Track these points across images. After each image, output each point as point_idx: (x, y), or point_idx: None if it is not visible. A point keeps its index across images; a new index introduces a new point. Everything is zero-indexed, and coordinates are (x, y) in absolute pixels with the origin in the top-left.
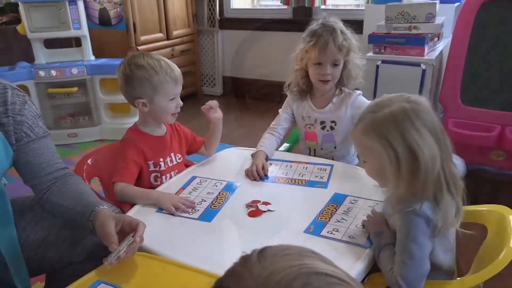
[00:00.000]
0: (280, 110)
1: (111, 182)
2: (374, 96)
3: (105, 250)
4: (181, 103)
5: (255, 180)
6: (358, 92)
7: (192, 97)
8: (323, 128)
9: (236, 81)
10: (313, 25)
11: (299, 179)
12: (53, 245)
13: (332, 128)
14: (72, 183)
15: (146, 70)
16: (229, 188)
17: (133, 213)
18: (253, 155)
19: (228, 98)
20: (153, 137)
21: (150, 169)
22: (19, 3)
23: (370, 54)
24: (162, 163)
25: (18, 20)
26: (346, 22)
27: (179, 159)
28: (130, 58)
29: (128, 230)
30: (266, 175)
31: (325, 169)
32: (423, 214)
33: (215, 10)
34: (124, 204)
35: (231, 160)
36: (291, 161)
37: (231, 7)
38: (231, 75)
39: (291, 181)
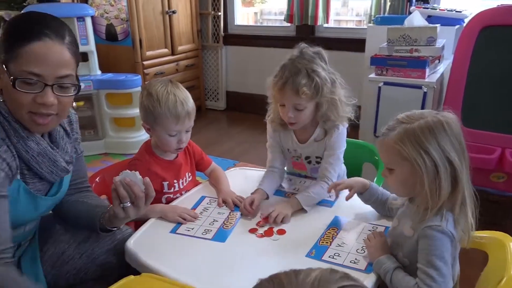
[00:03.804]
0: (268, 147)
1: None
2: (376, 117)
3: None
4: (184, 140)
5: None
6: (342, 128)
7: (196, 111)
8: (309, 162)
9: (239, 96)
10: (290, 55)
11: None
12: (71, 259)
13: (318, 162)
14: (95, 195)
15: (152, 100)
16: (236, 208)
17: (140, 234)
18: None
19: (231, 113)
20: (166, 161)
21: (164, 191)
22: None
23: (372, 75)
24: (176, 185)
25: None
26: (348, 41)
27: (190, 177)
28: (148, 83)
29: None
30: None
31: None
32: (449, 232)
33: (220, 26)
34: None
35: (237, 180)
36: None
37: (235, 24)
38: (234, 90)
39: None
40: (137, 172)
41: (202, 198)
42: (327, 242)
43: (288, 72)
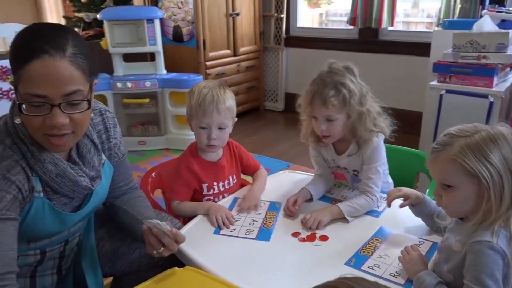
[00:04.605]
0: (312, 158)
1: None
2: (437, 126)
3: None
4: (214, 137)
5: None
6: (376, 140)
7: (255, 112)
8: (348, 172)
9: (298, 98)
10: (320, 71)
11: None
12: (125, 255)
13: (355, 175)
14: (139, 195)
15: (191, 95)
16: (273, 207)
17: (187, 229)
18: None
19: (289, 114)
20: (207, 162)
21: (203, 193)
22: (104, 21)
23: (434, 82)
24: (215, 187)
25: (102, 34)
26: (414, 45)
27: (235, 180)
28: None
29: None
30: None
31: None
32: (500, 249)
33: (282, 28)
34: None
35: (285, 183)
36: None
37: (297, 26)
38: (293, 92)
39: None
40: (164, 222)
41: (235, 200)
42: (368, 252)
43: (316, 86)
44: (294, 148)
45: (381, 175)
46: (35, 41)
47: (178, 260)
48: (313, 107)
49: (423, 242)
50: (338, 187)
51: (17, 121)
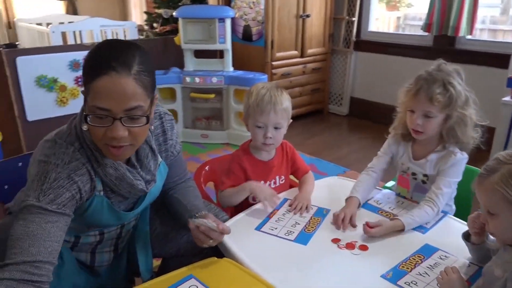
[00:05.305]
0: (379, 152)
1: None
2: (506, 143)
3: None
4: (270, 136)
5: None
6: (460, 157)
7: (318, 114)
8: (414, 179)
9: (363, 103)
10: (427, 68)
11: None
12: (174, 239)
13: (424, 182)
14: (190, 185)
15: (249, 95)
16: (320, 213)
17: (231, 223)
18: (346, 200)
19: (353, 119)
20: (259, 161)
21: None
22: (179, 18)
23: (507, 98)
24: None
25: (177, 30)
26: (493, 55)
27: (282, 181)
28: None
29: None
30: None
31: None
32: None
33: (352, 31)
34: (229, 209)
35: (330, 188)
36: (405, 198)
37: (368, 30)
38: (359, 97)
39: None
40: (208, 220)
41: (284, 200)
42: (408, 268)
43: (424, 81)
44: (354, 154)
45: (451, 191)
46: (105, 58)
47: (220, 250)
48: (416, 101)
49: (469, 265)
50: (387, 198)
51: (84, 127)
